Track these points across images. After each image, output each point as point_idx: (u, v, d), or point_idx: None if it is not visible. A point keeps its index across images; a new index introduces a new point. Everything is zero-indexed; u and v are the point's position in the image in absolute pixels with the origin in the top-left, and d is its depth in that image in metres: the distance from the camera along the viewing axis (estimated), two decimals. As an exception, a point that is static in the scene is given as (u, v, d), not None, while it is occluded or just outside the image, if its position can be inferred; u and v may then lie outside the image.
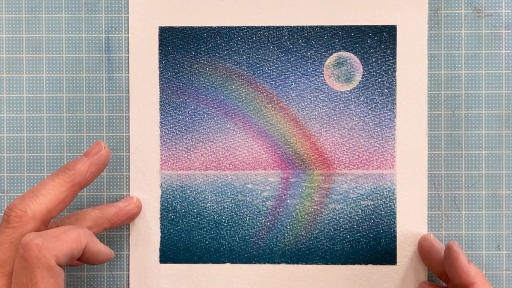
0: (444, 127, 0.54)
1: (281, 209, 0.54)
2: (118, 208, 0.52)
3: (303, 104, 0.54)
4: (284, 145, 0.54)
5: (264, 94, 0.54)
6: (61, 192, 0.47)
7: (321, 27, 0.54)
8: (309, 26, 0.54)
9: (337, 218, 0.54)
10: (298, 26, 0.54)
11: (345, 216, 0.54)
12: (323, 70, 0.54)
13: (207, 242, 0.54)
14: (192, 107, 0.54)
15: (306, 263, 0.54)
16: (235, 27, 0.54)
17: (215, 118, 0.54)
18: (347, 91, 0.54)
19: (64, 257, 0.44)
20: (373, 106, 0.54)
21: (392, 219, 0.54)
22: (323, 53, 0.54)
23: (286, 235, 0.54)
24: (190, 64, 0.54)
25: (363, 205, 0.54)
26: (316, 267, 0.54)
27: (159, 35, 0.54)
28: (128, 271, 0.55)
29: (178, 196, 0.54)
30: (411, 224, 0.54)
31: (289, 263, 0.54)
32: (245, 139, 0.54)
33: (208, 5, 0.54)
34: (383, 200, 0.54)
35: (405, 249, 0.54)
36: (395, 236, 0.54)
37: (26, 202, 0.46)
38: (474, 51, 0.54)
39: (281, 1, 0.54)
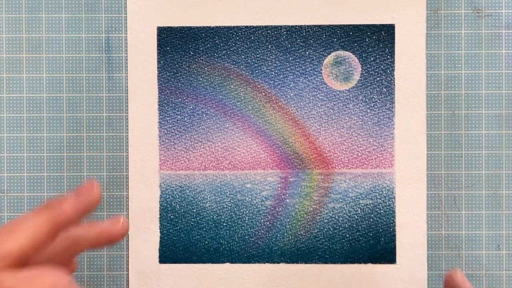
0: (444, 127, 0.54)
1: (280, 209, 0.54)
2: (102, 229, 0.46)
3: (301, 104, 0.54)
4: (283, 144, 0.54)
5: (263, 93, 0.54)
6: (41, 232, 0.42)
7: (319, 26, 0.54)
8: (307, 26, 0.54)
9: (336, 217, 0.54)
10: (296, 26, 0.54)
11: (344, 215, 0.54)
12: (321, 70, 0.54)
13: (206, 242, 0.54)
14: (191, 107, 0.55)
15: (306, 263, 0.54)
16: (233, 27, 0.54)
17: (214, 118, 0.54)
18: (345, 90, 0.54)
19: None
20: (372, 105, 0.54)
21: (391, 218, 0.54)
22: (321, 53, 0.54)
23: (285, 234, 0.54)
24: (189, 64, 0.55)
25: (362, 204, 0.54)
26: (315, 266, 0.54)
27: (157, 35, 0.54)
28: (128, 271, 0.55)
29: (177, 196, 0.54)
30: (410, 223, 0.54)
31: (289, 263, 0.54)
32: (244, 139, 0.54)
33: (206, 5, 0.54)
34: (382, 199, 0.54)
35: (404, 248, 0.54)
36: (395, 235, 0.54)
37: None
38: (474, 51, 0.54)
39: (279, 0, 0.54)
